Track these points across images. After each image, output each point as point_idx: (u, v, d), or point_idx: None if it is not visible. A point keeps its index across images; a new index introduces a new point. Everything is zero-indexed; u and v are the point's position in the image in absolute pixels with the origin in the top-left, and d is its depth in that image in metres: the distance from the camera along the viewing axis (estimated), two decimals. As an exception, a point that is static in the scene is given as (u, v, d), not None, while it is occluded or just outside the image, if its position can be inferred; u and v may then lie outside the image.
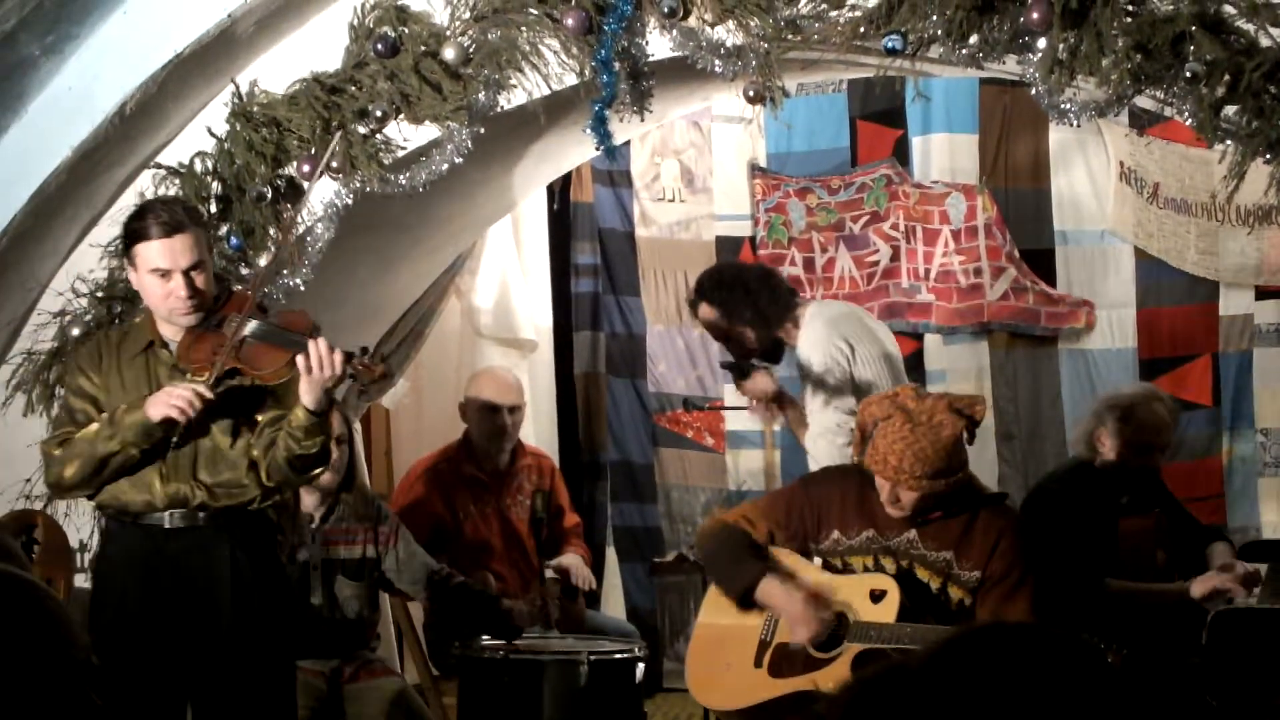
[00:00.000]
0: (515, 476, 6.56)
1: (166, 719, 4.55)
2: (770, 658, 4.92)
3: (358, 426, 6.81)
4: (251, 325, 4.51)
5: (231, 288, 4.80)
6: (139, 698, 4.48)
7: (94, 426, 4.50)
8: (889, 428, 4.71)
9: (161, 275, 4.47)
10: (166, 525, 4.53)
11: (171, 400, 4.40)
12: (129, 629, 4.50)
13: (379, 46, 5.12)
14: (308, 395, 4.42)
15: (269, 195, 5.28)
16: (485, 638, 5.46)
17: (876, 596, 4.79)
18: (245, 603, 4.56)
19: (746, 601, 4.93)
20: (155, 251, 4.46)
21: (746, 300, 5.81)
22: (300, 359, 4.40)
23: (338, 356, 4.39)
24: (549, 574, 6.47)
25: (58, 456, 4.54)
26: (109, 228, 5.41)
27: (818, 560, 4.96)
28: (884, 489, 4.78)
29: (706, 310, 5.88)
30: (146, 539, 4.54)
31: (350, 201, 5.30)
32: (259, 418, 4.59)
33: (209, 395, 4.42)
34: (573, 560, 6.53)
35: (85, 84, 5.19)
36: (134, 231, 4.51)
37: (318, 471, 4.73)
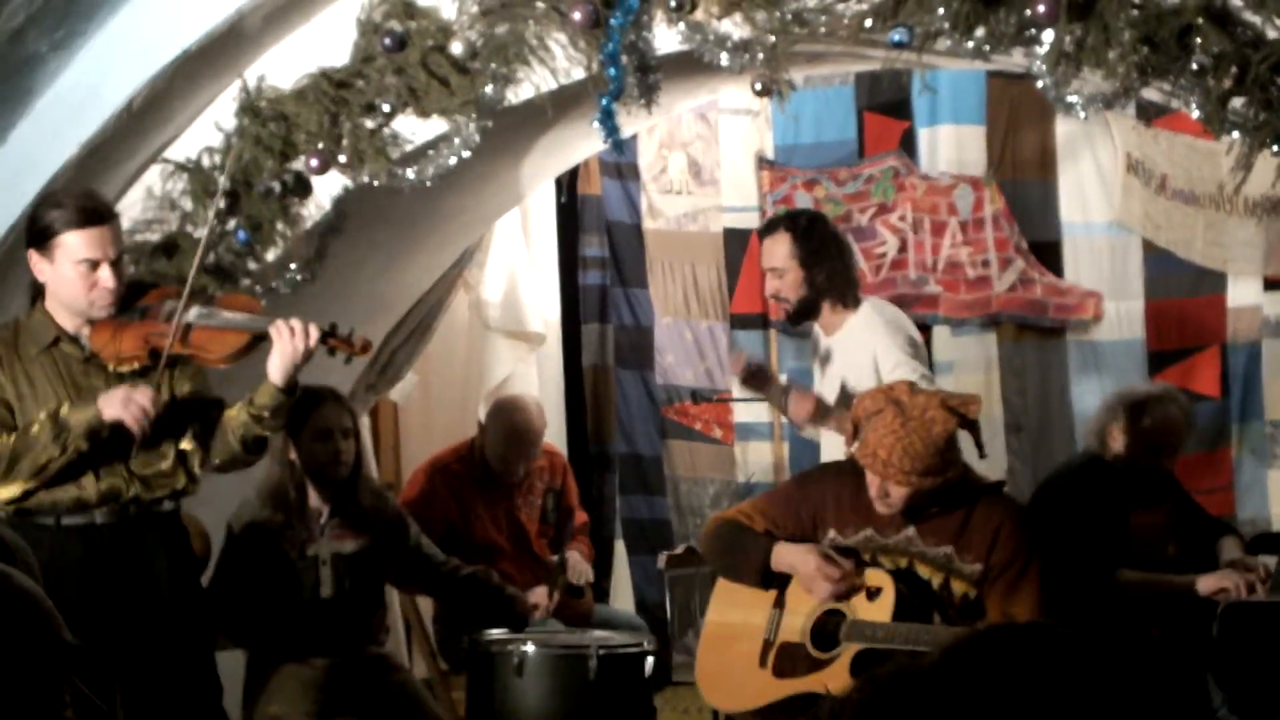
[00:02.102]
0: (528, 478, 6.54)
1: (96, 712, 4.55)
2: (774, 658, 4.93)
3: (365, 420, 6.82)
4: (195, 311, 4.48)
5: (141, 281, 4.77)
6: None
7: (34, 428, 4.41)
8: (880, 422, 4.66)
9: (89, 266, 4.42)
10: (98, 522, 4.50)
11: (130, 406, 4.35)
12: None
13: (386, 41, 5.13)
14: (278, 373, 4.43)
15: (277, 190, 5.29)
16: (494, 631, 5.46)
17: (872, 594, 4.78)
18: (178, 597, 4.59)
19: (767, 577, 4.93)
20: (82, 241, 4.40)
21: (830, 256, 5.65)
22: (275, 334, 4.40)
23: (313, 331, 4.40)
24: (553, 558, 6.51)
25: None
26: (117, 223, 5.43)
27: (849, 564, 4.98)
28: (873, 484, 4.74)
29: (782, 238, 5.64)
30: (77, 539, 4.47)
31: (358, 195, 5.31)
32: (186, 409, 4.59)
33: (162, 400, 4.40)
34: (571, 555, 6.53)
35: (93, 80, 5.20)
36: (54, 221, 4.43)
37: (262, 456, 4.75)
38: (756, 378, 5.82)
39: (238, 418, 4.52)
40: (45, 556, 4.31)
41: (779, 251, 5.66)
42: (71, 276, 4.45)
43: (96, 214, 4.45)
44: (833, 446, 5.55)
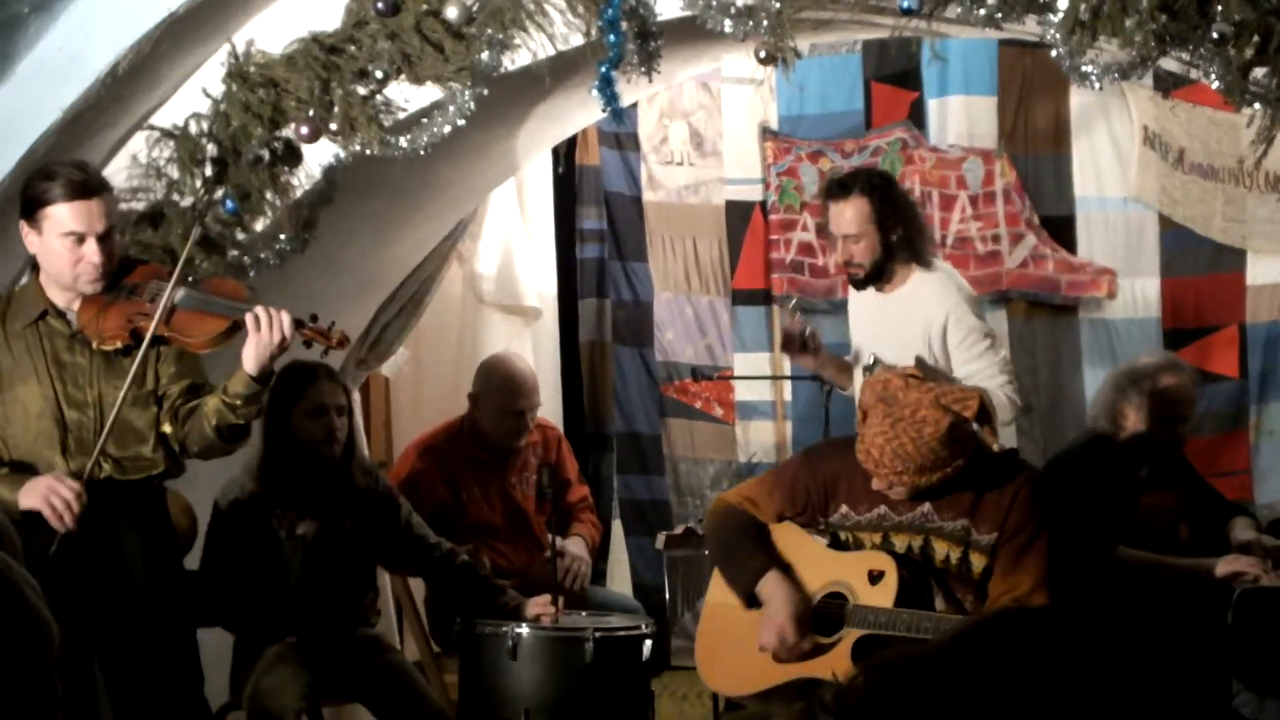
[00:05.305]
0: (520, 454, 6.53)
1: (78, 692, 4.53)
2: (775, 642, 4.95)
3: (356, 397, 6.82)
4: (181, 293, 4.50)
5: (132, 257, 4.77)
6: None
7: None
8: (873, 418, 4.66)
9: (75, 240, 4.43)
10: None
11: (50, 500, 4.34)
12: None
13: (380, 5, 5.12)
14: (252, 362, 4.43)
15: (266, 158, 5.28)
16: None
17: (875, 577, 4.79)
18: (154, 579, 4.60)
19: (752, 601, 4.97)
20: (69, 214, 4.42)
21: (906, 216, 5.66)
22: (250, 323, 4.40)
23: (287, 321, 4.40)
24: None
25: None
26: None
27: (821, 538, 4.99)
28: (875, 479, 4.78)
29: (859, 202, 5.58)
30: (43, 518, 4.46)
31: (349, 165, 5.30)
32: (171, 389, 4.60)
33: (83, 499, 4.37)
34: (575, 549, 6.48)
35: (76, 43, 5.18)
36: (43, 192, 4.44)
37: (242, 443, 4.74)
38: (806, 346, 5.85)
39: (212, 405, 4.52)
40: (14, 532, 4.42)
41: (853, 215, 5.61)
42: (58, 249, 4.46)
43: (85, 187, 4.45)
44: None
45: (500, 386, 6.44)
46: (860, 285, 5.74)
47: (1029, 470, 5.02)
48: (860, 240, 5.61)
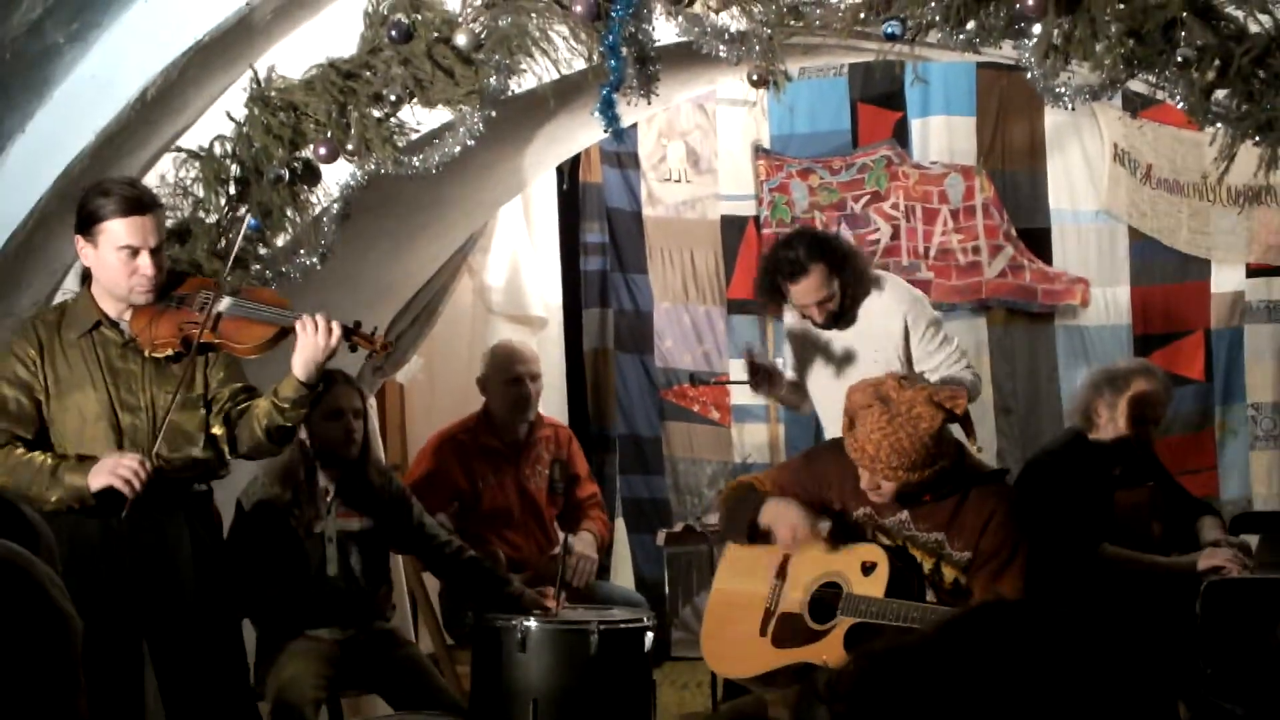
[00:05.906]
0: (534, 447, 6.57)
1: (127, 688, 4.56)
2: (774, 627, 4.96)
3: (372, 401, 6.84)
4: (226, 302, 4.55)
5: (179, 270, 4.81)
6: (99, 671, 4.49)
7: (37, 461, 4.45)
8: (868, 416, 4.66)
9: (130, 253, 4.47)
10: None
11: (118, 471, 4.37)
12: (88, 604, 4.49)
13: (393, 33, 5.13)
14: (301, 368, 4.47)
15: (286, 177, 5.30)
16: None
17: (867, 568, 4.81)
18: (202, 575, 4.62)
19: (754, 534, 4.98)
20: (124, 229, 4.46)
21: (849, 259, 5.80)
22: (300, 330, 4.45)
23: (336, 329, 4.44)
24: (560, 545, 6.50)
25: None
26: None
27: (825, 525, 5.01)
28: (864, 476, 4.77)
29: (819, 270, 5.71)
30: (96, 520, 4.49)
31: (365, 183, 5.32)
32: (221, 392, 4.64)
33: (149, 468, 4.39)
34: (581, 547, 6.48)
35: (108, 71, 5.20)
36: (99, 208, 4.47)
37: (288, 445, 4.78)
38: (770, 378, 5.97)
39: (262, 407, 4.57)
40: (65, 535, 4.31)
41: (813, 285, 5.75)
42: (113, 262, 4.50)
43: (139, 203, 4.49)
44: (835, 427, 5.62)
45: (500, 360, 6.54)
46: (829, 327, 5.87)
47: (1008, 493, 5.02)
48: (830, 299, 5.78)
